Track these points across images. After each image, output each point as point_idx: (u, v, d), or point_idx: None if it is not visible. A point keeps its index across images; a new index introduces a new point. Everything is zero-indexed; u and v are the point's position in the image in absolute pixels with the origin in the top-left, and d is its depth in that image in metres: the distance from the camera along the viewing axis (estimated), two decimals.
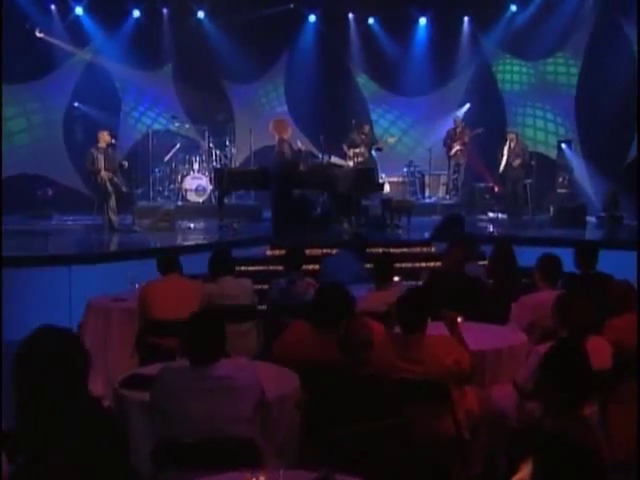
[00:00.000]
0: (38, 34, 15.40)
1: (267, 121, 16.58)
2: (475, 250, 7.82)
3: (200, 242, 10.92)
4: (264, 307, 7.04)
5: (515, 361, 5.13)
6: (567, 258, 7.01)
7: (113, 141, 12.12)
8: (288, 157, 11.80)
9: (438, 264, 9.16)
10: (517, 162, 13.46)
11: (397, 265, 10.28)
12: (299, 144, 12.25)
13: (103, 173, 11.84)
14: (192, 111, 16.25)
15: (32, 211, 13.92)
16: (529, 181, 14.10)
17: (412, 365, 4.48)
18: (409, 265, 10.34)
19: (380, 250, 10.09)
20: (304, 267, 9.45)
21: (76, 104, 15.72)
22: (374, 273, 6.46)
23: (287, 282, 6.77)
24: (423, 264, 10.28)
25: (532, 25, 15.79)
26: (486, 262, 10.10)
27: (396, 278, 7.26)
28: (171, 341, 5.89)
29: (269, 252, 10.43)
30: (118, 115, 16.37)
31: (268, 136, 16.07)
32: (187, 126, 15.49)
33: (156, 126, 16.18)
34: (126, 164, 12.09)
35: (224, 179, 11.74)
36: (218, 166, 14.07)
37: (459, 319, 5.37)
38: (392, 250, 10.75)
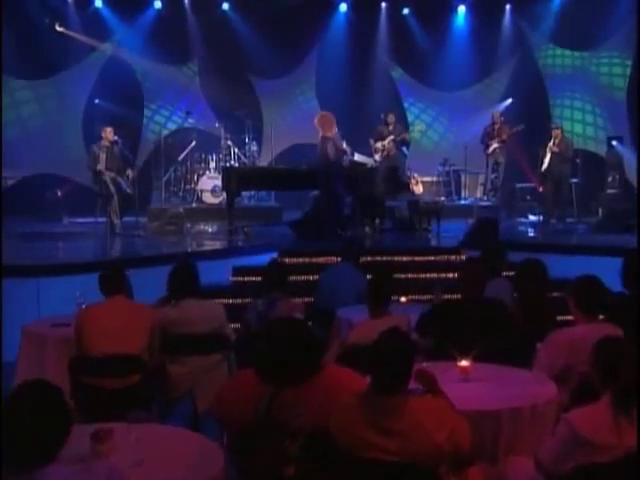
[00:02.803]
0: (58, 28, 14.36)
1: (297, 118, 15.54)
2: (503, 262, 6.31)
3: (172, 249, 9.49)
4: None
5: (540, 424, 3.68)
6: (616, 272, 5.57)
7: (116, 138, 10.85)
8: (331, 157, 10.42)
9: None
10: (555, 149, 11.84)
11: (422, 276, 9.05)
12: (344, 144, 10.84)
13: (106, 173, 10.65)
14: (218, 108, 15.01)
15: (45, 212, 12.88)
16: (575, 180, 12.48)
17: (388, 440, 3.05)
18: (434, 275, 8.95)
19: (370, 259, 8.74)
20: (310, 278, 8.38)
21: (97, 101, 14.62)
22: (367, 297, 5.03)
23: (265, 304, 5.40)
24: (450, 275, 8.83)
25: (580, 14, 14.09)
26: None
27: (403, 299, 5.86)
28: (110, 383, 4.60)
29: (278, 260, 9.03)
30: (141, 111, 15.26)
31: (300, 133, 14.98)
32: (217, 125, 14.17)
33: (178, 123, 14.98)
34: (130, 173, 10.82)
35: (232, 179, 10.37)
36: (236, 164, 12.76)
37: (465, 362, 3.96)
38: (416, 258, 9.36)
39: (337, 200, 10.48)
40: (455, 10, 15.35)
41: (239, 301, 7.96)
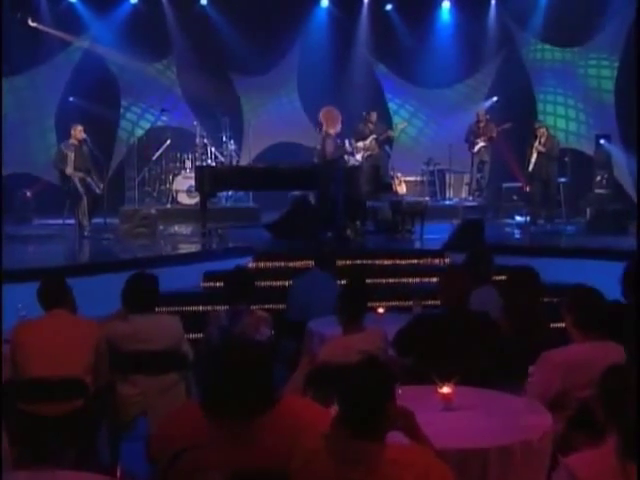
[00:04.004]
0: (31, 23, 13.74)
1: (279, 116, 14.99)
2: (490, 268, 5.77)
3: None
4: None
5: (534, 463, 3.14)
6: (608, 275, 5.10)
7: (85, 137, 10.26)
8: (327, 154, 9.90)
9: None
10: (541, 149, 11.37)
11: (404, 280, 8.51)
12: (347, 144, 10.30)
13: (74, 173, 10.07)
14: (196, 105, 14.45)
15: (15, 213, 12.27)
16: (563, 180, 11.98)
17: None
18: (417, 280, 8.44)
19: (350, 262, 8.20)
20: (286, 283, 7.82)
21: (71, 98, 14.03)
22: (338, 311, 4.47)
23: (229, 317, 4.84)
24: (434, 279, 8.27)
25: (567, 9, 13.55)
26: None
27: (380, 309, 5.31)
28: (48, 409, 4.04)
29: (252, 264, 8.49)
30: (117, 109, 14.67)
31: (282, 131, 14.44)
32: (194, 123, 13.57)
33: (154, 121, 14.37)
34: (95, 178, 10.26)
35: (206, 179, 9.77)
36: (213, 164, 12.19)
37: (447, 389, 3.42)
38: (399, 261, 8.82)
39: (329, 200, 9.88)
40: (439, 5, 14.83)
41: (209, 308, 7.40)
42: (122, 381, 4.50)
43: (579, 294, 3.70)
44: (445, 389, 3.40)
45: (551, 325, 4.81)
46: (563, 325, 4.45)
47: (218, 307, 6.88)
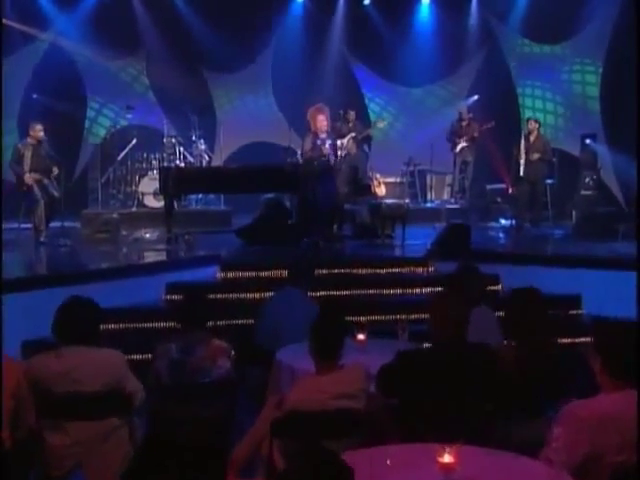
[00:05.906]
0: None
1: (253, 115, 14.19)
2: (482, 286, 5.00)
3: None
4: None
5: None
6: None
7: (43, 135, 9.37)
8: (304, 153, 9.47)
9: (438, 289, 6.38)
10: (536, 156, 10.66)
11: (385, 292, 7.72)
12: (327, 144, 9.60)
13: (30, 174, 9.20)
14: (167, 104, 13.59)
15: None
16: (550, 181, 11.27)
17: None
18: (398, 291, 7.65)
19: (326, 272, 7.44)
20: (255, 296, 7.07)
21: (35, 96, 13.12)
22: (311, 349, 3.64)
23: (181, 349, 4.02)
24: (417, 290, 7.57)
25: (550, 4, 12.83)
26: (499, 287, 7.58)
27: (361, 336, 4.51)
28: None
29: (219, 275, 7.67)
30: (83, 107, 13.79)
31: (256, 131, 13.64)
32: (165, 122, 12.70)
33: (121, 120, 13.47)
34: (56, 170, 9.35)
35: (170, 180, 8.89)
36: (182, 164, 11.33)
37: (449, 458, 2.64)
38: (378, 271, 8.02)
39: (307, 203, 9.06)
40: (419, 0, 14.05)
41: (172, 325, 6.58)
42: (52, 429, 3.69)
43: (610, 331, 2.90)
44: (446, 458, 2.60)
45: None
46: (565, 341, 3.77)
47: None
